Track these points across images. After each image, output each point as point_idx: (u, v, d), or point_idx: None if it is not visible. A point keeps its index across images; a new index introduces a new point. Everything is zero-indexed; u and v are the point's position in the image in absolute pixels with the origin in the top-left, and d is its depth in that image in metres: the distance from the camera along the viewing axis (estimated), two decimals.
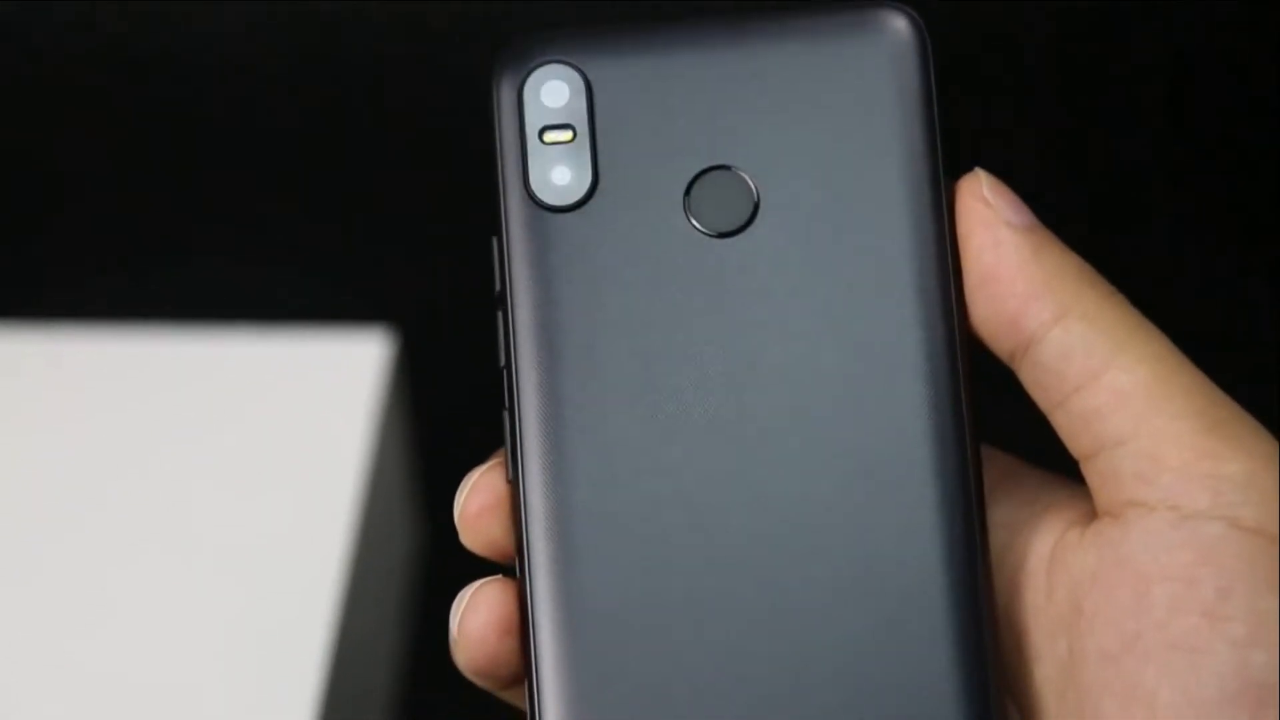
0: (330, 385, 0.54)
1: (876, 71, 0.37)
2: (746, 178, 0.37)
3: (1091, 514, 0.37)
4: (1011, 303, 0.37)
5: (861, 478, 0.36)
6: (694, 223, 0.37)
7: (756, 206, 0.37)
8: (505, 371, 0.36)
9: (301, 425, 0.53)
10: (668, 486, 0.36)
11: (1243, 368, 0.38)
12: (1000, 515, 0.38)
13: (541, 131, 0.37)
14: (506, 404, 0.37)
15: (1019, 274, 0.36)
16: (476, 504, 0.37)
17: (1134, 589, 0.35)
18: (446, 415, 0.57)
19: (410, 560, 0.59)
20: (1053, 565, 0.37)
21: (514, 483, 0.36)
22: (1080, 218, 0.38)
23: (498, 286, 0.37)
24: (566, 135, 0.37)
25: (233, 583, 0.50)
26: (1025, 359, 0.37)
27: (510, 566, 0.37)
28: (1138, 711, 0.35)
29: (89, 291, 0.64)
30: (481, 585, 0.37)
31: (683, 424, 0.36)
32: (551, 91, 0.37)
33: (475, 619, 0.37)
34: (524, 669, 0.36)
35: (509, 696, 0.38)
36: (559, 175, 0.37)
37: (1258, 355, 0.61)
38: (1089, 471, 0.37)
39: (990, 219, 0.37)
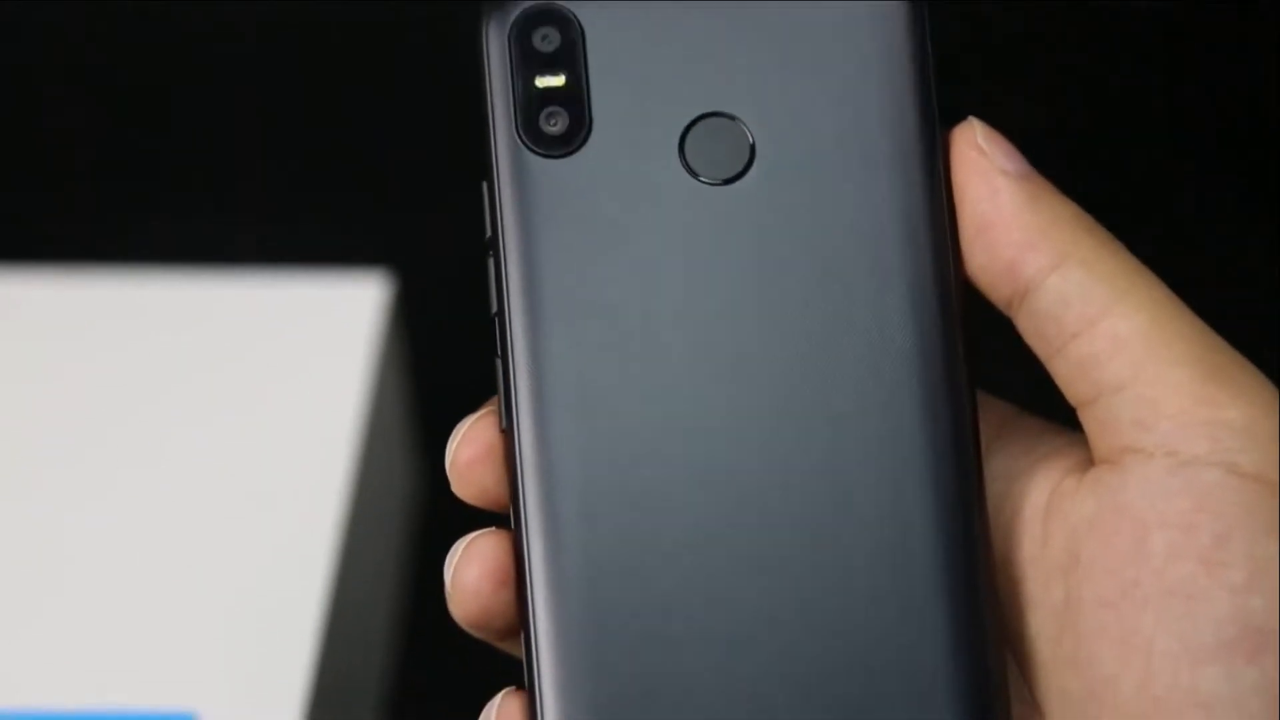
0: (328, 329, 0.54)
1: (872, 20, 0.37)
2: (742, 125, 0.37)
3: (1089, 462, 0.37)
4: (1008, 250, 0.37)
5: (856, 424, 0.36)
6: (689, 169, 0.37)
7: (752, 154, 0.37)
8: (496, 319, 0.36)
9: (299, 368, 0.53)
10: (662, 432, 0.36)
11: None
12: (998, 465, 0.38)
13: (533, 76, 0.37)
14: (499, 351, 0.36)
15: (1015, 221, 0.37)
16: (467, 453, 0.37)
17: (1131, 536, 0.35)
18: (445, 359, 0.58)
19: (409, 504, 0.59)
20: (1049, 513, 0.37)
21: (507, 431, 0.36)
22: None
23: (488, 232, 0.37)
24: (558, 80, 0.37)
25: (230, 528, 0.50)
26: (1023, 306, 0.37)
27: (504, 516, 0.37)
28: (1134, 658, 0.35)
29: (88, 236, 0.64)
30: (475, 538, 0.37)
31: (676, 370, 0.36)
32: (543, 35, 0.37)
33: (469, 572, 0.37)
34: (520, 621, 0.36)
35: (507, 647, 0.38)
36: (550, 120, 0.37)
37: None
38: (1086, 419, 0.37)
39: (985, 167, 0.37)
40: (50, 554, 0.50)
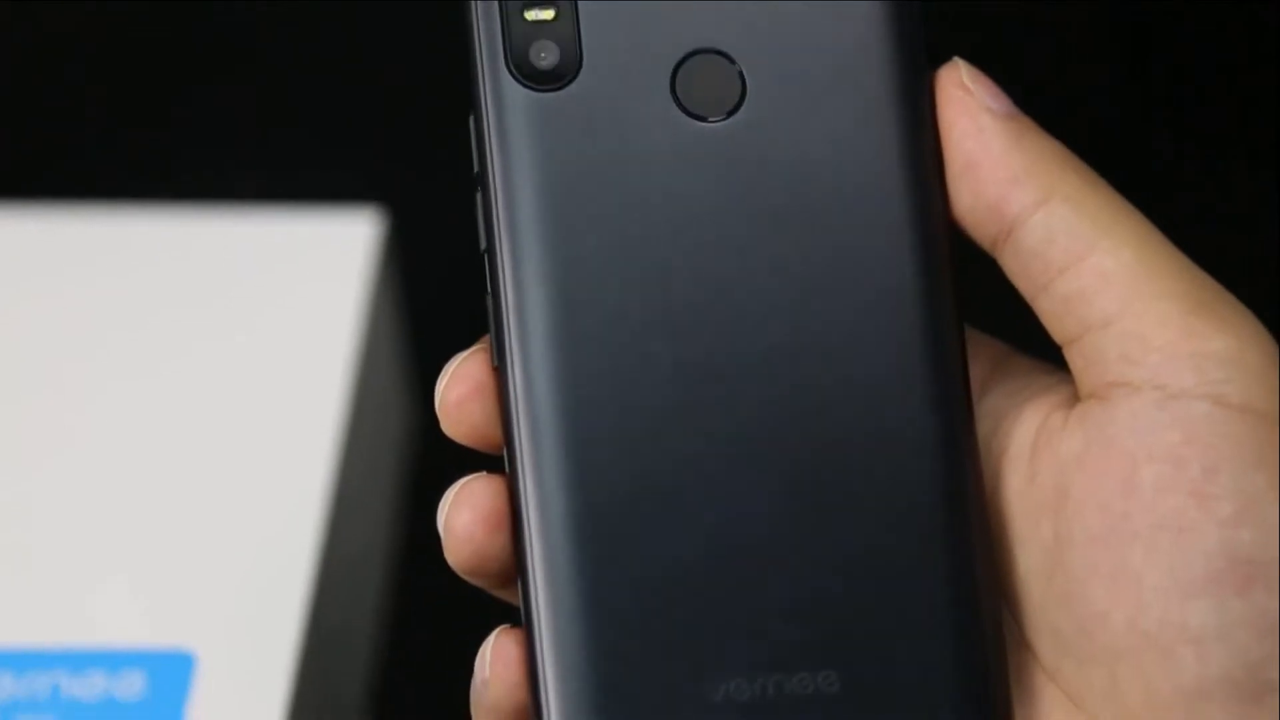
0: (319, 266, 0.54)
1: None
2: (733, 62, 0.37)
3: (1076, 398, 0.37)
4: (993, 188, 0.37)
5: (846, 358, 0.37)
6: (680, 106, 0.37)
7: (743, 92, 0.37)
8: (486, 255, 0.37)
9: (291, 306, 0.53)
10: (656, 364, 0.36)
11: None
12: (990, 404, 0.38)
13: (523, 9, 0.37)
14: (489, 288, 0.37)
15: (1001, 159, 0.37)
16: (457, 392, 0.37)
17: (1120, 470, 0.36)
18: (439, 297, 0.58)
19: (403, 442, 0.59)
20: (1036, 450, 0.37)
21: (500, 369, 0.36)
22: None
23: (476, 167, 0.37)
24: (549, 13, 0.37)
25: (224, 467, 0.50)
26: (1008, 245, 0.37)
27: (494, 456, 0.37)
28: (1125, 594, 0.35)
29: (79, 172, 0.64)
30: (466, 482, 0.37)
31: (668, 303, 0.36)
32: None
33: (461, 517, 0.37)
34: (516, 563, 0.36)
35: (503, 595, 0.38)
36: (540, 54, 0.37)
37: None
38: (1073, 356, 0.37)
39: (971, 106, 0.37)
40: (47, 492, 0.50)
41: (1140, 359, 0.36)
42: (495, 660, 0.36)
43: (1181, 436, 0.35)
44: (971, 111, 0.37)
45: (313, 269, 0.54)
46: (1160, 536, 0.35)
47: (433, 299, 0.59)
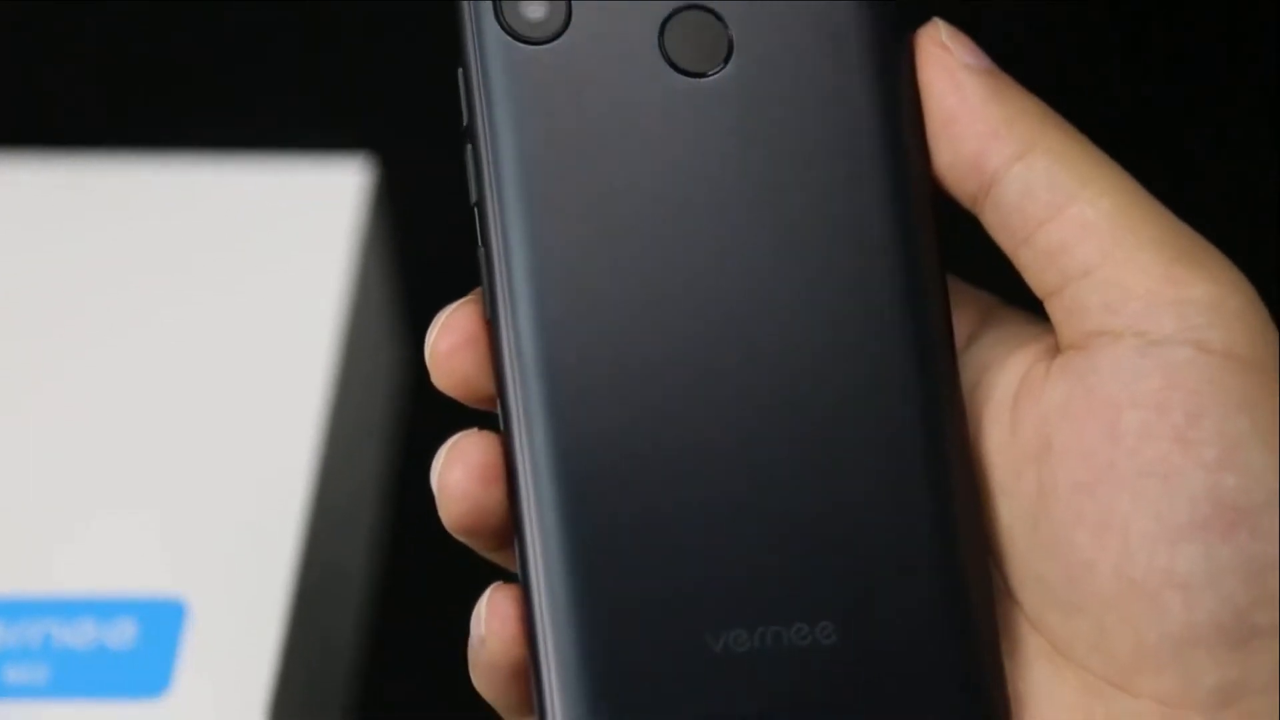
0: (309, 215, 0.54)
1: None
2: (720, 19, 0.37)
3: (1058, 350, 0.37)
4: (973, 142, 0.37)
5: (834, 319, 0.37)
6: (668, 61, 0.37)
7: (730, 49, 0.37)
8: (477, 208, 0.37)
9: (280, 255, 0.53)
10: (647, 315, 0.36)
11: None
12: (976, 355, 0.39)
13: None
14: (480, 240, 0.37)
15: (980, 114, 0.37)
16: (447, 342, 0.37)
17: (1104, 418, 0.36)
18: (431, 246, 0.58)
19: (395, 393, 0.59)
20: (1018, 401, 0.37)
21: (492, 321, 0.37)
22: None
23: (465, 120, 0.37)
24: None
25: (215, 415, 0.50)
26: (988, 199, 0.37)
27: (484, 411, 0.37)
28: (1111, 541, 0.36)
29: (69, 120, 0.64)
30: (459, 438, 0.37)
31: (657, 255, 0.37)
32: None
33: (454, 473, 0.37)
34: (512, 519, 0.36)
35: (496, 558, 0.38)
36: (529, 9, 0.37)
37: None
38: (1054, 308, 0.37)
39: (949, 63, 0.37)
40: (38, 439, 0.50)
41: (1121, 307, 0.36)
42: (491, 617, 0.36)
43: (1164, 382, 0.36)
44: (950, 68, 0.37)
45: (302, 218, 0.54)
46: (1145, 483, 0.35)
47: (423, 249, 0.59)
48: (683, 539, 0.36)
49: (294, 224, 0.54)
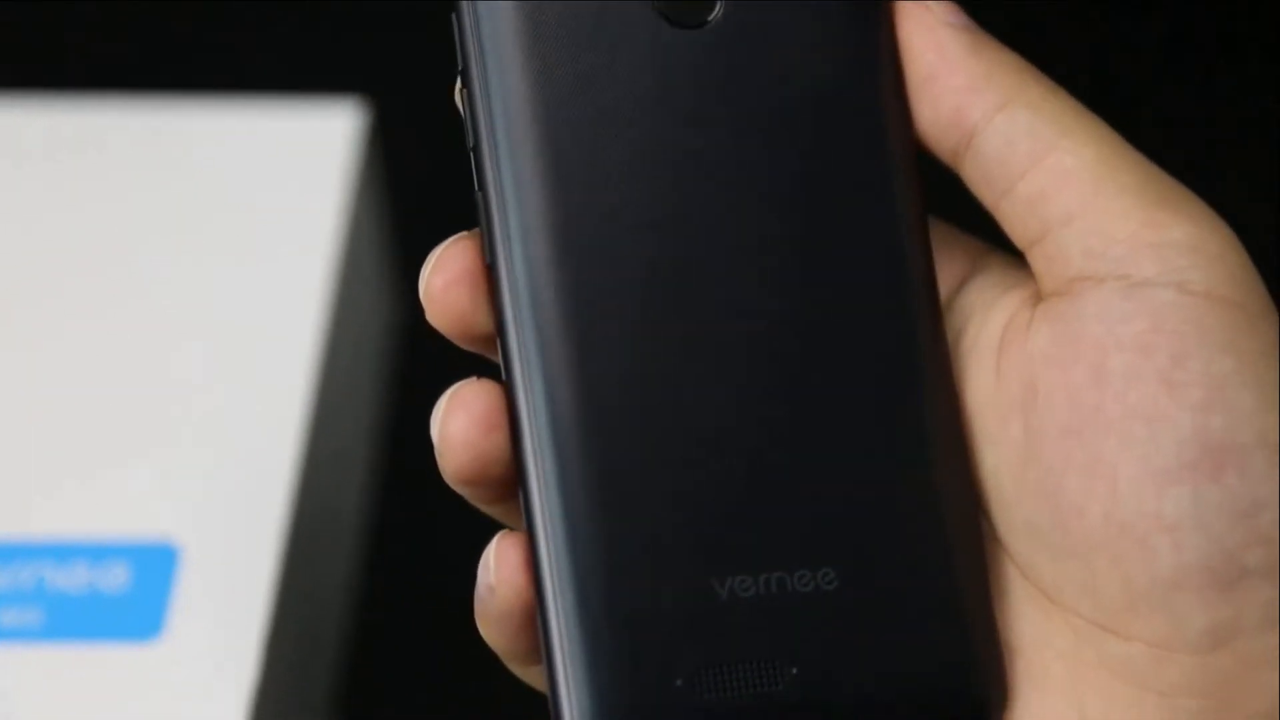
0: (302, 156, 0.54)
1: None
2: None
3: (1039, 297, 0.38)
4: (953, 97, 0.38)
5: (825, 265, 0.38)
6: (658, 11, 0.37)
7: (718, 3, 0.38)
8: (473, 153, 0.37)
9: (272, 197, 0.53)
10: (650, 258, 0.37)
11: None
12: (963, 300, 0.39)
13: None
14: (478, 185, 0.37)
15: (960, 69, 0.38)
16: (442, 279, 0.37)
17: (1089, 362, 0.36)
18: (423, 188, 0.58)
19: (389, 335, 0.60)
20: (1003, 348, 0.38)
21: (492, 265, 0.37)
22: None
23: (460, 65, 0.37)
24: None
25: (208, 358, 0.51)
26: (969, 152, 0.38)
27: (477, 355, 0.38)
28: (1100, 485, 0.36)
29: (58, 62, 0.64)
30: (458, 387, 0.37)
31: (655, 195, 0.37)
32: None
33: (456, 421, 0.37)
34: (516, 467, 0.37)
35: (495, 512, 0.38)
36: None
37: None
38: (1036, 257, 0.37)
39: (929, 21, 0.38)
40: (31, 384, 0.51)
41: (1103, 252, 0.37)
42: (501, 564, 0.37)
43: (1148, 325, 0.36)
44: (929, 25, 0.38)
45: (295, 161, 0.54)
46: (1132, 426, 0.36)
47: (417, 192, 0.59)
48: (688, 485, 0.37)
49: (286, 166, 0.54)
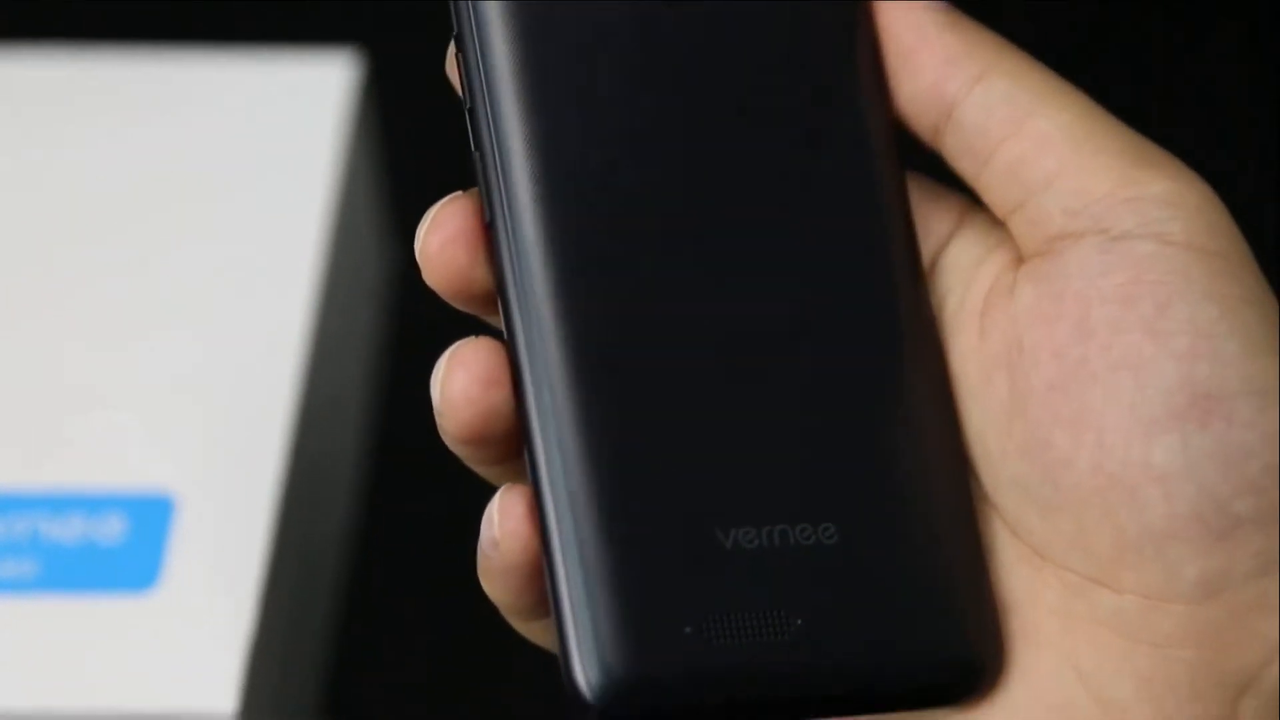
0: (297, 107, 0.54)
1: None
2: None
3: (1022, 260, 0.38)
4: (932, 70, 0.38)
5: (812, 226, 0.39)
6: None
7: None
8: (469, 113, 0.38)
9: (267, 148, 0.53)
10: (648, 216, 0.38)
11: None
12: (949, 257, 0.39)
13: None
14: (474, 145, 0.37)
15: (937, 44, 0.38)
16: (438, 238, 0.37)
17: (1073, 316, 0.37)
18: (420, 141, 0.58)
19: (384, 290, 0.60)
20: (987, 308, 0.38)
21: (491, 223, 0.37)
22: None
23: (455, 27, 0.38)
24: None
25: (202, 310, 0.51)
26: (949, 125, 0.38)
27: (475, 315, 0.38)
28: (1087, 437, 0.36)
29: (51, 13, 0.64)
30: (457, 346, 0.37)
31: (649, 155, 0.38)
32: None
33: (457, 379, 0.37)
34: (520, 424, 0.37)
35: (496, 475, 0.38)
36: None
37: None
38: (1017, 223, 0.38)
39: (906, 2, 0.39)
40: (25, 336, 0.51)
41: (1081, 209, 0.37)
42: (505, 518, 0.37)
43: (1129, 276, 0.36)
44: (907, 6, 0.39)
45: (289, 112, 0.54)
46: (1118, 377, 0.36)
47: (413, 145, 0.60)
48: (691, 438, 0.37)
49: (282, 118, 0.54)
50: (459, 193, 0.38)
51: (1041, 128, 0.38)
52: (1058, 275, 0.37)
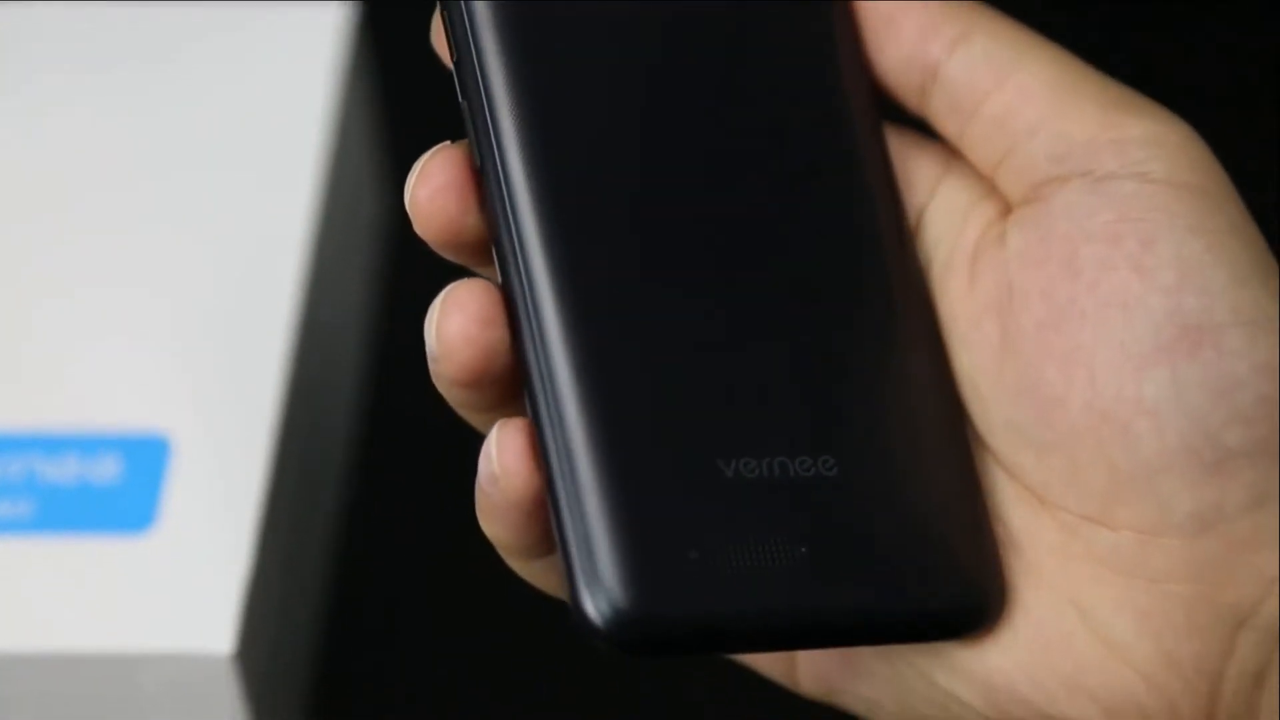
0: (291, 53, 0.54)
1: None
2: None
3: (1009, 209, 0.39)
4: (914, 35, 0.40)
5: (799, 179, 0.40)
6: None
7: None
8: (457, 67, 0.38)
9: (261, 93, 0.53)
10: (637, 155, 0.38)
11: None
12: (937, 204, 0.40)
13: None
14: (461, 95, 0.38)
15: (917, 10, 0.39)
16: (427, 188, 0.38)
17: (1061, 257, 0.37)
18: (415, 85, 0.58)
19: (379, 235, 0.60)
20: (976, 255, 0.39)
21: (481, 170, 0.38)
22: None
23: None
24: None
25: (197, 250, 0.51)
26: (935, 84, 0.39)
27: (465, 266, 0.39)
28: (1078, 374, 0.37)
29: None
30: (452, 288, 0.37)
31: (636, 92, 0.39)
32: None
33: (453, 320, 0.37)
34: (518, 360, 0.37)
35: (488, 422, 0.38)
36: None
37: None
38: (1004, 174, 0.39)
39: None
40: (20, 276, 0.51)
41: (1065, 154, 0.38)
42: (504, 452, 0.37)
43: (1115, 215, 0.37)
44: None
45: (283, 57, 0.54)
46: (1107, 314, 0.37)
47: (409, 88, 0.60)
48: (688, 370, 0.38)
49: (277, 59, 0.54)
50: (444, 144, 0.38)
51: (1023, 80, 0.39)
52: (1045, 219, 0.38)
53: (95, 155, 0.53)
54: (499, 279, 0.38)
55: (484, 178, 0.38)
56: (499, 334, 0.37)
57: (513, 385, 0.38)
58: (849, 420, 0.38)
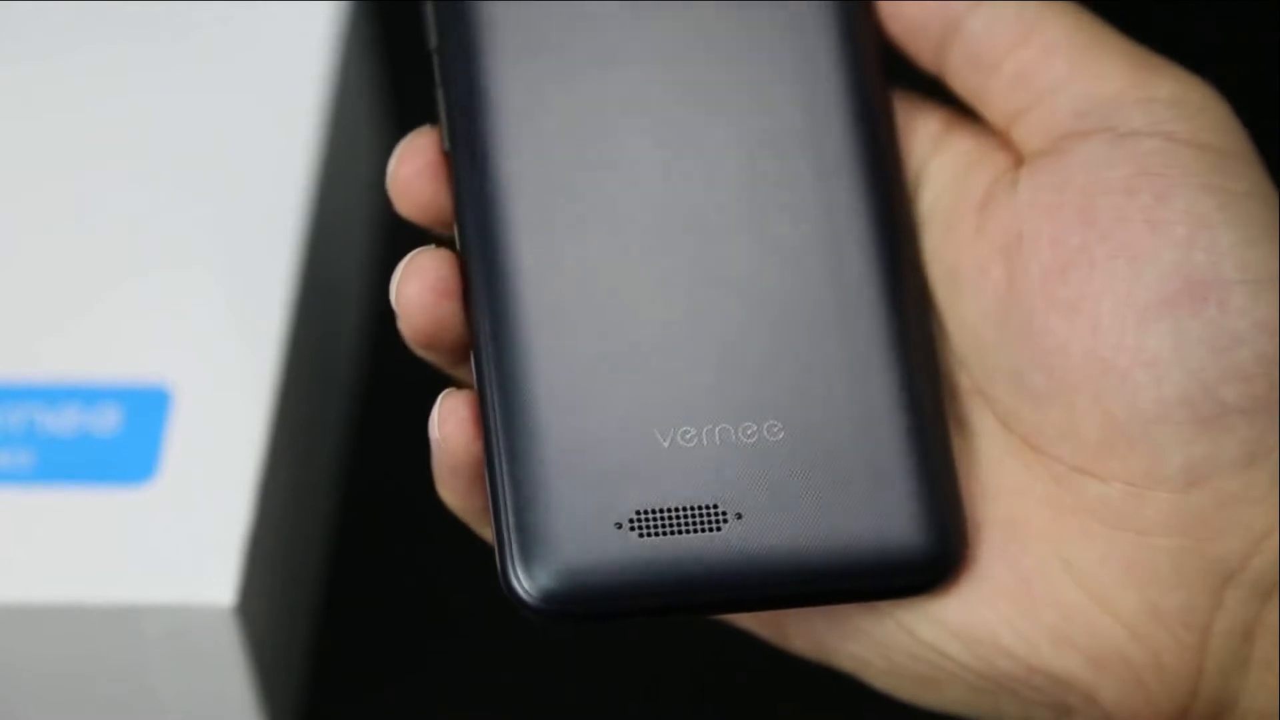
0: (290, 25, 0.54)
1: None
2: None
3: (1023, 160, 0.40)
4: None
5: (786, 148, 0.40)
6: None
7: None
8: (436, 53, 0.40)
9: (261, 66, 0.53)
10: (600, 145, 0.40)
11: None
12: (939, 162, 0.41)
13: None
14: (440, 82, 0.40)
15: None
16: (406, 169, 0.40)
17: (1074, 205, 0.38)
18: (415, 51, 0.59)
19: (379, 188, 0.59)
20: (985, 204, 0.39)
21: (450, 153, 0.39)
22: None
23: None
24: None
25: (198, 203, 0.51)
26: (956, 39, 0.40)
27: (447, 238, 0.40)
28: (1082, 322, 0.37)
29: None
30: (415, 254, 0.39)
31: (608, 84, 0.40)
32: None
33: (411, 287, 0.39)
34: (468, 329, 0.39)
35: (461, 374, 0.40)
36: None
37: None
38: (1021, 127, 0.40)
39: None
40: (20, 227, 0.51)
41: (1091, 110, 0.39)
42: (445, 420, 0.38)
43: (1134, 170, 0.38)
44: None
45: (283, 30, 0.54)
46: (1116, 264, 0.37)
47: (410, 51, 0.60)
48: (632, 344, 0.39)
49: (274, 36, 0.54)
50: (424, 127, 0.40)
51: (1049, 36, 0.39)
52: (1062, 169, 0.38)
53: (98, 105, 0.53)
54: (458, 246, 0.39)
55: (449, 158, 0.39)
56: (451, 306, 0.39)
57: (468, 350, 0.39)
58: (798, 385, 0.39)
